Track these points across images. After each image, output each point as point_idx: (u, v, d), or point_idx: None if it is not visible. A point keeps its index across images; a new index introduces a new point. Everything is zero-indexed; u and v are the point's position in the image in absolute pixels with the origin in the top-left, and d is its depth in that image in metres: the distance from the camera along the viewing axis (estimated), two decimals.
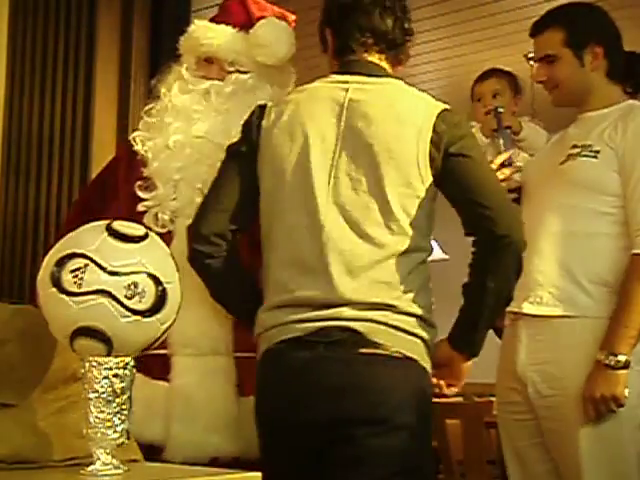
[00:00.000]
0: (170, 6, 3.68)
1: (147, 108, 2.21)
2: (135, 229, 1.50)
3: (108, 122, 3.46)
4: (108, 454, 1.46)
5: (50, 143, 3.42)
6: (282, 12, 2.27)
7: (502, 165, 2.23)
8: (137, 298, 1.43)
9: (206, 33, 2.22)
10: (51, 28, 3.45)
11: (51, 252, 1.48)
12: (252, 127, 1.96)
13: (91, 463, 1.46)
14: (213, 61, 2.20)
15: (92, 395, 1.46)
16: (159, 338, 1.50)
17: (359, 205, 1.84)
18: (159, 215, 2.07)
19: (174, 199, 2.08)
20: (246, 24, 2.20)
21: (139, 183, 2.09)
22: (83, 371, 1.47)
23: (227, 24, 2.22)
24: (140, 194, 2.08)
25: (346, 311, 1.80)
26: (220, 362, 2.07)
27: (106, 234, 1.46)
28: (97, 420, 1.45)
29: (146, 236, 1.50)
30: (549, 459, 2.24)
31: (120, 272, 1.42)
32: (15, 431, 1.51)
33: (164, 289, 1.46)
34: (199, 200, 1.99)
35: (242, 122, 1.98)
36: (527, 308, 2.22)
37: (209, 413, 2.01)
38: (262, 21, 2.20)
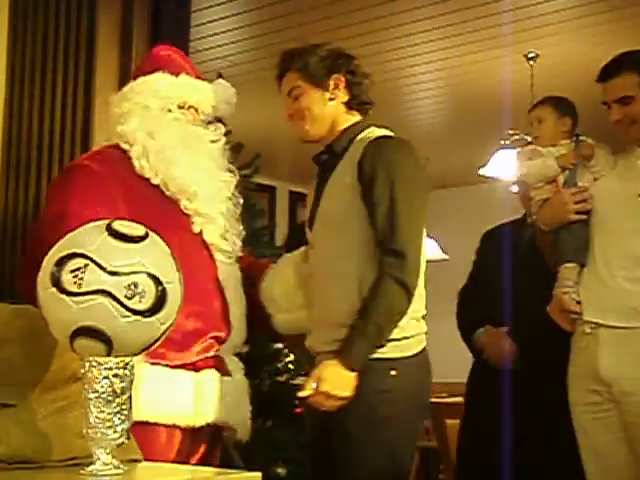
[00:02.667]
0: (170, 6, 3.68)
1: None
2: (135, 229, 1.50)
3: (108, 122, 3.46)
4: (108, 454, 1.46)
5: (50, 143, 3.42)
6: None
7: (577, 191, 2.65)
8: (137, 298, 1.43)
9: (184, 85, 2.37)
10: (51, 28, 3.45)
11: (51, 252, 1.48)
12: None
13: (91, 463, 1.46)
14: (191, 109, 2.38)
15: (92, 395, 1.46)
16: (159, 338, 1.50)
17: None
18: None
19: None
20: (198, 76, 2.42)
21: None
22: (83, 371, 1.47)
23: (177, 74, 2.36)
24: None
25: None
26: None
27: (106, 234, 1.46)
28: (97, 420, 1.45)
29: (146, 236, 1.50)
30: (630, 451, 2.54)
31: (120, 272, 1.42)
32: (15, 431, 1.51)
33: (164, 289, 1.46)
34: None
35: None
36: (612, 320, 2.56)
37: None
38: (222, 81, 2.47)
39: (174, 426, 2.13)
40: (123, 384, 1.47)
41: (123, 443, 1.48)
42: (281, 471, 3.58)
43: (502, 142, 5.73)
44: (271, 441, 3.60)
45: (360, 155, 2.26)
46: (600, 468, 2.59)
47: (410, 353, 2.24)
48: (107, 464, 1.46)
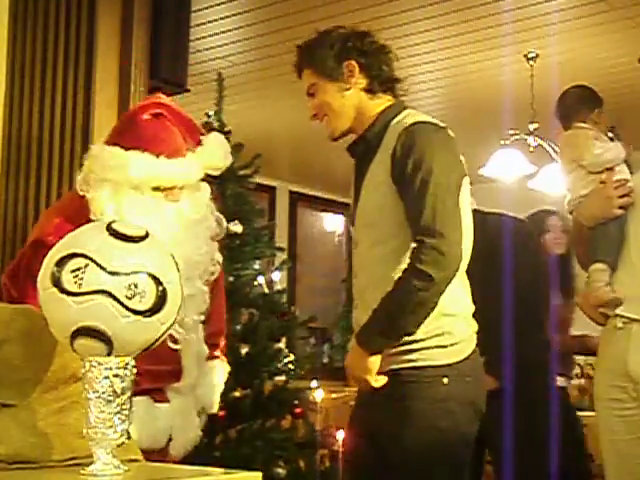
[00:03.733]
0: (170, 6, 3.68)
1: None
2: (135, 229, 1.50)
3: (108, 122, 3.46)
4: (108, 454, 1.46)
5: (50, 143, 3.42)
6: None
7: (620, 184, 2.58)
8: (137, 298, 1.43)
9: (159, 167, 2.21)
10: (51, 28, 3.45)
11: (51, 252, 1.48)
12: None
13: (91, 463, 1.46)
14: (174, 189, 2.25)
15: (92, 395, 1.46)
16: (159, 338, 1.50)
17: None
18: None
19: None
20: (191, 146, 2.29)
21: None
22: (83, 371, 1.47)
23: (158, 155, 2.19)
24: None
25: None
26: None
27: (106, 234, 1.46)
28: (97, 420, 1.45)
29: (146, 236, 1.50)
30: None
31: (120, 272, 1.42)
32: (15, 431, 1.51)
33: (164, 289, 1.46)
34: None
35: None
36: None
37: None
38: (208, 138, 2.33)
39: None
40: (123, 384, 1.47)
41: (123, 443, 1.48)
42: (281, 471, 3.58)
43: (502, 142, 5.73)
44: (271, 441, 3.61)
45: (393, 146, 2.13)
46: (619, 466, 2.55)
47: (462, 357, 2.15)
48: (107, 464, 1.46)
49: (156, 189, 2.20)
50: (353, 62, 2.24)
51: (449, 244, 2.03)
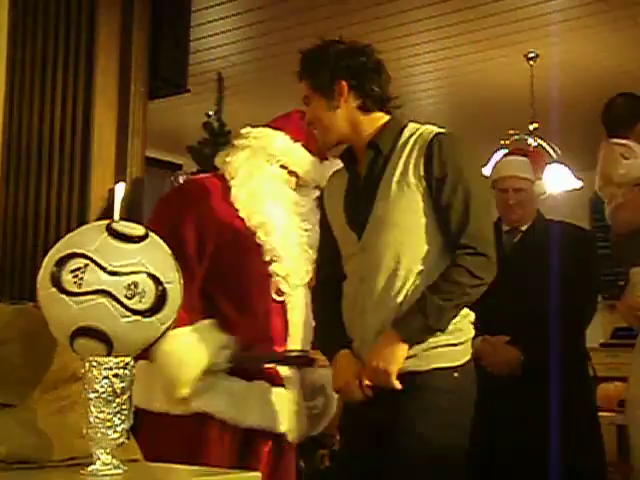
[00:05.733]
0: (170, 6, 3.69)
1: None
2: (135, 229, 1.50)
3: (108, 122, 3.46)
4: (108, 454, 1.46)
5: (50, 143, 3.42)
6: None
7: None
8: (137, 298, 1.43)
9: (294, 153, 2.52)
10: (51, 28, 3.45)
11: (51, 252, 1.48)
12: None
13: (91, 463, 1.46)
14: (299, 181, 2.54)
15: (92, 395, 1.46)
16: (159, 338, 1.50)
17: None
18: (281, 285, 2.42)
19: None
20: (319, 154, 2.55)
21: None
22: (83, 371, 1.47)
23: (297, 140, 2.52)
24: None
25: None
26: None
27: (106, 234, 1.46)
28: (97, 420, 1.45)
29: (146, 236, 1.50)
30: None
31: (120, 272, 1.42)
32: (15, 431, 1.51)
33: (164, 289, 1.46)
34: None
35: None
36: None
37: None
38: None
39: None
40: (123, 384, 1.47)
41: (123, 443, 1.48)
42: None
43: (502, 142, 5.73)
44: None
45: (423, 153, 2.20)
46: None
47: (467, 358, 2.24)
48: (107, 464, 1.46)
49: (283, 168, 2.48)
50: (343, 82, 2.27)
51: (493, 252, 2.19)
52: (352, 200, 2.33)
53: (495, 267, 2.19)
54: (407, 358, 2.15)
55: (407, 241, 2.19)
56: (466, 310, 2.23)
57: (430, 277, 2.17)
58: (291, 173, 2.51)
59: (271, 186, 2.47)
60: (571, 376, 3.16)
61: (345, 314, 2.31)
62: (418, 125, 2.31)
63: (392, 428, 2.17)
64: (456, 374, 2.19)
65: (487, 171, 5.84)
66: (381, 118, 2.32)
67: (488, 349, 3.16)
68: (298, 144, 2.50)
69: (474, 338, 2.28)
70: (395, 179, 2.22)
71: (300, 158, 2.50)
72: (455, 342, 2.20)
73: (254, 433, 2.33)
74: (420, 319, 2.12)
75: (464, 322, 2.23)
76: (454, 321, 2.18)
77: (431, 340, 2.16)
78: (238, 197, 2.43)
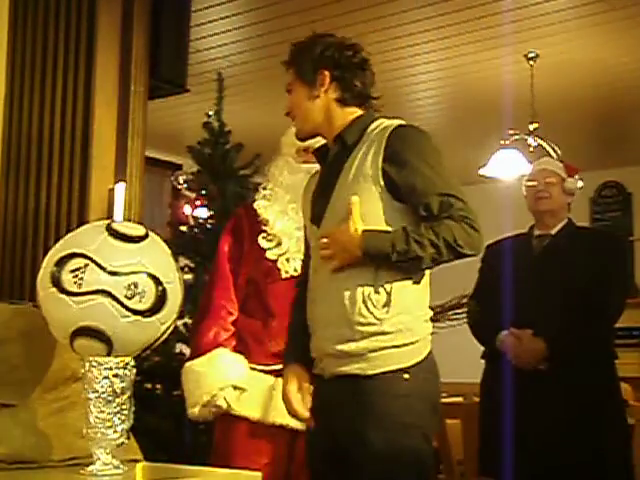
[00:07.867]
0: (170, 6, 3.68)
1: (262, 185, 2.91)
2: (135, 229, 1.50)
3: (108, 122, 3.46)
4: (108, 454, 1.46)
5: (50, 143, 3.42)
6: None
7: None
8: (137, 298, 1.43)
9: None
10: (51, 28, 3.45)
11: (51, 252, 1.48)
12: None
13: (91, 463, 1.46)
14: (309, 150, 2.67)
15: (92, 395, 1.46)
16: (159, 338, 1.50)
17: None
18: (290, 262, 2.73)
19: (297, 251, 2.67)
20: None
21: (264, 235, 2.77)
22: (83, 371, 1.47)
23: None
24: (266, 246, 2.77)
25: None
26: None
27: (106, 234, 1.46)
28: (97, 420, 1.45)
29: (146, 236, 1.50)
30: None
31: (120, 272, 1.42)
32: (15, 431, 1.51)
33: (164, 289, 1.46)
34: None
35: None
36: None
37: None
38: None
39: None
40: (123, 384, 1.47)
41: (123, 443, 1.48)
42: None
43: (502, 142, 5.73)
44: None
45: (383, 144, 2.17)
46: None
47: (420, 358, 2.15)
48: (107, 464, 1.46)
49: (305, 150, 2.71)
50: (326, 72, 2.27)
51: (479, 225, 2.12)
52: (316, 195, 2.33)
53: (481, 242, 2.11)
54: (351, 362, 2.11)
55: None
56: (423, 310, 2.17)
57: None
58: (306, 150, 2.70)
59: (290, 188, 2.76)
60: (599, 375, 3.21)
61: (307, 307, 2.29)
62: (385, 119, 2.27)
63: (343, 432, 2.13)
64: (407, 376, 2.11)
65: (487, 171, 5.85)
66: (354, 113, 2.30)
67: (514, 342, 3.18)
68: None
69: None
70: (352, 171, 2.20)
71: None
72: (401, 343, 2.11)
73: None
74: (387, 248, 2.07)
75: (415, 322, 2.14)
76: (402, 321, 2.11)
77: (375, 342, 2.10)
78: (261, 204, 2.83)
